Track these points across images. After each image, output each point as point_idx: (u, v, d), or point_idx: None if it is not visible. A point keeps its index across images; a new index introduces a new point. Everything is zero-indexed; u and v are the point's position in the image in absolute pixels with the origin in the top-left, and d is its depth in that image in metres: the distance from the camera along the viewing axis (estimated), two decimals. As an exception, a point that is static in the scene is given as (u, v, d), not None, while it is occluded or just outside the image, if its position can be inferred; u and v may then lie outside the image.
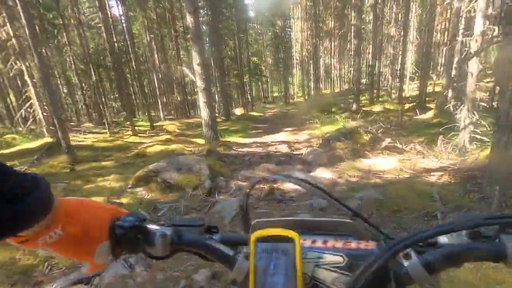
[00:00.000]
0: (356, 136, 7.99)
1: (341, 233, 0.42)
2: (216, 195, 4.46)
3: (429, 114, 11.05)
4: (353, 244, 0.38)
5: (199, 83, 6.77)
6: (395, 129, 8.86)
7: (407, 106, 14.05)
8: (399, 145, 6.05)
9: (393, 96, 19.98)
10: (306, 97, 34.92)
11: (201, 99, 6.93)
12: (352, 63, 34.83)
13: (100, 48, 20.86)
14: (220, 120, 14.37)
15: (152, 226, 0.43)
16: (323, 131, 10.44)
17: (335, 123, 11.26)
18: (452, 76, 9.90)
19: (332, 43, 32.30)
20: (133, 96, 20.77)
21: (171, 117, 21.90)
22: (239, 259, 0.39)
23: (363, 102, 21.13)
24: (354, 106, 12.80)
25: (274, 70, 50.68)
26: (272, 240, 0.37)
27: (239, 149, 7.93)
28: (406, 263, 0.34)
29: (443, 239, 0.37)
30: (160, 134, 10.78)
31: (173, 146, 7.78)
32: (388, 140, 6.01)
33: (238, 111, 21.16)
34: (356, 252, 0.36)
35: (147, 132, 10.89)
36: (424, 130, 8.51)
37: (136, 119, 18.30)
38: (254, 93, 53.92)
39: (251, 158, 6.66)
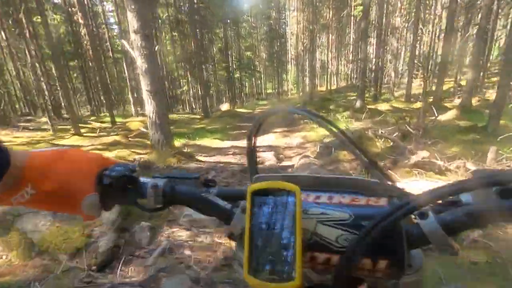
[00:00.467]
0: (365, 143, 5.87)
1: (351, 190, 0.38)
2: (118, 269, 2.24)
3: (450, 115, 8.95)
4: (362, 201, 0.35)
5: (139, 62, 4.49)
6: (415, 133, 6.71)
7: (417, 105, 11.98)
8: (438, 161, 3.97)
9: (396, 93, 17.98)
10: (301, 93, 32.85)
11: (143, 85, 4.63)
12: (350, 57, 32.87)
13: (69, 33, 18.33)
14: (198, 117, 12.15)
15: (144, 178, 0.41)
16: (321, 134, 8.31)
17: (336, 123, 9.13)
18: None
19: (330, 36, 30.00)
20: (101, 88, 18.32)
21: (148, 112, 19.59)
22: (236, 213, 0.37)
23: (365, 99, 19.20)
24: (358, 104, 10.65)
25: (269, 66, 48.53)
26: (271, 193, 0.34)
27: (206, 159, 5.74)
28: (422, 223, 0.30)
29: (467, 197, 0.33)
30: (114, 133, 8.46)
31: (114, 153, 5.50)
32: (423, 153, 3.93)
33: (225, 107, 18.87)
34: (365, 209, 0.33)
35: (98, 131, 8.56)
36: (455, 136, 6.40)
37: (105, 114, 15.90)
38: (247, 89, 51.84)
39: (217, 176, 4.45)
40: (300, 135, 8.63)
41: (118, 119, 13.89)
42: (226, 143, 7.82)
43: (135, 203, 0.41)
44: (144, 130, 10.04)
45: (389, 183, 0.38)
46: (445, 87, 17.95)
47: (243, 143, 6.12)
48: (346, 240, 0.31)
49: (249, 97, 51.51)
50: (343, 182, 0.39)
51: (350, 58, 32.44)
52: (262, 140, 7.94)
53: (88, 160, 0.40)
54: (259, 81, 51.53)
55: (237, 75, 40.90)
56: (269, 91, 54.53)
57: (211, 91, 30.96)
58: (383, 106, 11.64)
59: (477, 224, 0.30)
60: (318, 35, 34.91)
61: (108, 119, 13.43)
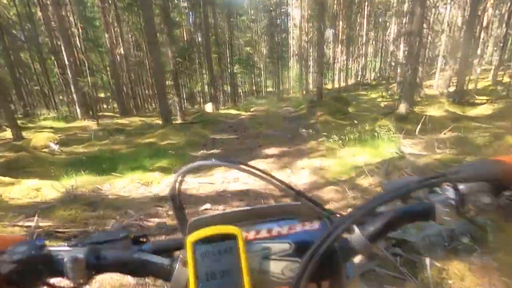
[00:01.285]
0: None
1: (285, 217, 0.40)
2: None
3: None
4: (298, 228, 0.37)
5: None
6: None
7: (484, 108, 8.03)
8: None
9: (422, 92, 14.08)
10: (304, 92, 28.76)
11: None
12: (362, 51, 28.78)
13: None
14: (153, 123, 8.30)
15: (58, 249, 0.35)
16: (349, 164, 4.44)
17: (371, 142, 5.18)
18: None
19: (340, 27, 25.93)
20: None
21: (109, 113, 15.61)
22: (176, 267, 0.34)
23: (385, 100, 15.23)
24: (403, 108, 6.64)
25: (269, 63, 44.58)
26: (212, 240, 0.32)
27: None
28: (349, 237, 0.34)
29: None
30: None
31: None
32: None
33: (209, 107, 14.93)
34: (302, 235, 0.35)
35: None
36: None
37: (43, 114, 12.04)
38: (246, 86, 47.94)
39: None
40: (310, 164, 4.70)
41: (57, 125, 10.05)
42: (167, 181, 3.93)
43: (48, 285, 0.35)
44: (54, 146, 6.19)
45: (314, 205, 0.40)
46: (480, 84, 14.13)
47: (204, 179, 3.65)
48: (291, 270, 0.32)
49: (248, 95, 47.67)
50: (275, 211, 0.41)
51: (362, 51, 28.45)
52: (236, 180, 4.04)
53: None
54: (258, 78, 47.66)
55: (236, 70, 37.09)
56: (270, 89, 50.80)
57: (190, 88, 26.81)
58: (434, 111, 7.70)
59: (393, 227, 0.35)
60: (324, 25, 31.01)
61: (45, 122, 9.59)
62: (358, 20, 25.54)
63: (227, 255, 0.32)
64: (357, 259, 0.36)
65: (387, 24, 25.70)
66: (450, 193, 0.36)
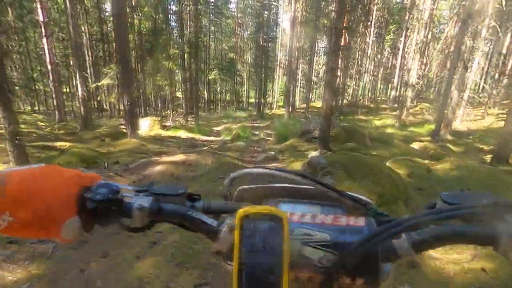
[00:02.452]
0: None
1: (331, 203, 0.42)
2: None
3: None
4: (343, 220, 0.36)
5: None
6: None
7: None
8: None
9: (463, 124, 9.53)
10: (290, 109, 23.94)
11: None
12: (365, 67, 24.63)
13: None
14: None
15: (128, 197, 0.39)
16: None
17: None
18: None
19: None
20: None
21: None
22: (223, 230, 0.36)
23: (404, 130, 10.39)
24: None
25: (254, 73, 39.88)
26: (259, 218, 0.34)
27: None
28: (395, 241, 0.33)
29: None
30: None
31: None
32: None
33: (146, 124, 9.61)
34: (345, 230, 0.35)
35: None
36: None
37: None
38: (226, 95, 42.73)
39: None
40: None
41: None
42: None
43: (119, 224, 0.39)
44: None
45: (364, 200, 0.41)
46: None
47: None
48: (328, 261, 0.33)
49: (229, 105, 42.60)
50: (323, 194, 0.42)
51: (365, 66, 24.26)
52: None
53: (67, 179, 0.37)
54: (241, 88, 42.77)
55: (211, 76, 31.91)
56: (252, 100, 45.96)
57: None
58: None
59: (441, 244, 0.33)
60: (317, 33, 26.79)
61: None
62: (361, 29, 21.38)
63: (272, 234, 0.33)
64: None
65: (400, 36, 21.55)
66: None
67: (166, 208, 0.38)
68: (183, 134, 9.64)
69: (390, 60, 29.10)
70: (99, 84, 11.87)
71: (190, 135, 9.91)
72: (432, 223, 0.33)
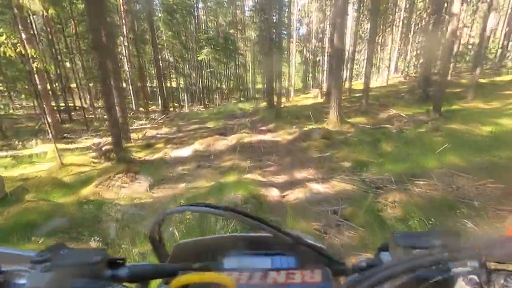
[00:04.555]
0: None
1: (280, 252, 0.37)
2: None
3: None
4: (297, 277, 0.32)
5: None
6: None
7: None
8: None
9: None
10: (319, 93, 15.68)
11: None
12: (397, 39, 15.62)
13: None
14: None
15: (18, 272, 0.28)
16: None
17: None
18: None
19: None
20: None
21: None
22: None
23: None
24: None
25: (259, 52, 31.53)
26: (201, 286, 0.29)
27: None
28: None
29: (387, 258, 0.35)
30: None
31: None
32: None
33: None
34: None
35: None
36: None
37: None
38: (226, 83, 34.55)
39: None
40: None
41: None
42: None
43: None
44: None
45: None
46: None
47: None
48: None
49: (232, 94, 34.59)
50: (269, 241, 0.37)
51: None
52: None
53: None
54: (244, 72, 34.50)
55: (201, 56, 23.71)
56: (259, 86, 37.88)
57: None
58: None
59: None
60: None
61: None
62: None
63: None
64: None
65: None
66: (475, 265, 0.30)
67: (75, 284, 0.28)
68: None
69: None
70: None
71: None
72: (387, 280, 0.28)
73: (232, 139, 7.12)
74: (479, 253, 0.29)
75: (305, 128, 7.46)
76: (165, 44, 21.77)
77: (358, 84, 16.85)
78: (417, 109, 8.96)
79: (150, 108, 18.92)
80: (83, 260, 0.30)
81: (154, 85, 24.18)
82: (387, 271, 0.28)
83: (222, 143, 6.93)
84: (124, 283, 0.31)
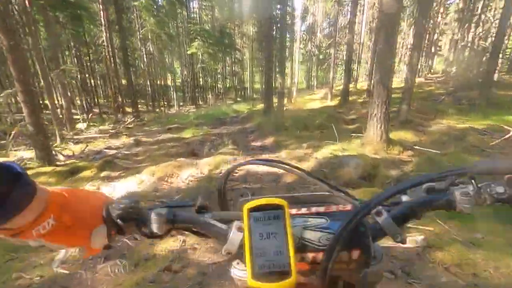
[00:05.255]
0: None
1: (323, 203, 0.45)
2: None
3: None
4: (334, 208, 0.41)
5: None
6: None
7: None
8: None
9: None
10: (333, 96, 12.77)
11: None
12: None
13: None
14: None
15: (147, 206, 0.44)
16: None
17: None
18: None
19: None
20: None
21: None
22: (232, 231, 0.39)
23: None
24: None
25: (258, 49, 29.07)
26: (263, 209, 0.37)
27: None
28: (379, 219, 0.38)
29: (405, 197, 0.44)
30: None
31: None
32: None
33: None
34: (336, 213, 0.40)
35: None
36: None
37: None
38: (224, 81, 31.76)
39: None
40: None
41: None
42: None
43: (140, 232, 0.43)
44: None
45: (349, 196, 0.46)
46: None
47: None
48: (327, 239, 0.36)
49: (228, 93, 31.73)
50: (316, 198, 0.48)
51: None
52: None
53: (95, 197, 0.43)
54: (240, 68, 31.65)
55: (191, 50, 20.73)
56: (258, 85, 35.36)
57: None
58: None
59: (416, 215, 0.40)
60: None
61: None
62: None
63: (276, 221, 0.36)
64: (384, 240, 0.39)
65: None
66: (468, 184, 0.39)
67: (180, 215, 0.43)
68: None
69: None
70: None
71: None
72: (398, 193, 0.39)
73: (203, 166, 4.26)
74: (469, 170, 0.37)
75: (325, 150, 4.57)
76: (148, 34, 18.77)
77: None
78: (483, 119, 6.12)
79: (136, 108, 15.88)
80: (182, 204, 0.45)
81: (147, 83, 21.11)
82: (393, 189, 0.37)
83: (186, 174, 4.09)
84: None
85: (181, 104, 24.82)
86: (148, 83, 20.30)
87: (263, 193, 3.08)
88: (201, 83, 28.22)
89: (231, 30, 26.96)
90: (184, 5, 22.56)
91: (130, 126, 10.12)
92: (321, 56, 22.32)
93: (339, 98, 11.59)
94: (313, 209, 0.41)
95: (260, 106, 17.61)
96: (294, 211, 0.41)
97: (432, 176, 0.38)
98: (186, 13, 23.20)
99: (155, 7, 16.21)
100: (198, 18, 25.74)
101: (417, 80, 14.62)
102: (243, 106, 18.93)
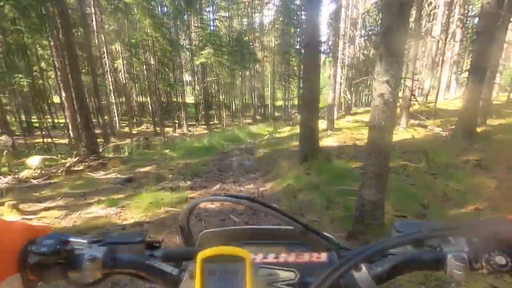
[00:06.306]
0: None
1: (293, 241, 0.42)
2: None
3: None
4: (306, 257, 0.37)
5: None
6: None
7: None
8: None
9: None
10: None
11: None
12: None
13: None
14: None
15: (79, 248, 0.36)
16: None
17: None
18: None
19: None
20: None
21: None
22: (184, 279, 0.35)
23: None
24: None
25: (280, 62, 25.52)
26: (221, 260, 0.33)
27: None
28: (356, 275, 0.34)
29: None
30: None
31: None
32: None
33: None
34: (309, 266, 0.36)
35: None
36: None
37: None
38: (243, 98, 28.26)
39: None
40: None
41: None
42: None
43: (67, 279, 0.35)
44: None
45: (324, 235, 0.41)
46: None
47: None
48: None
49: (246, 111, 28.08)
50: (284, 233, 0.43)
51: None
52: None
53: (10, 233, 0.34)
54: (259, 85, 28.00)
55: (199, 60, 17.08)
56: (279, 103, 31.63)
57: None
58: None
59: (400, 272, 0.35)
60: None
61: None
62: None
63: (234, 276, 0.32)
64: None
65: None
66: (463, 245, 0.34)
67: (121, 258, 0.36)
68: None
69: None
70: None
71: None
72: (383, 252, 0.33)
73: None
74: (466, 231, 0.32)
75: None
76: (148, 43, 15.47)
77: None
78: None
79: (137, 129, 12.24)
80: (127, 240, 0.37)
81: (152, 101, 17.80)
82: (381, 244, 0.31)
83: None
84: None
85: (191, 124, 21.29)
86: (149, 99, 17.03)
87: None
88: (215, 99, 24.73)
89: (251, 42, 23.51)
90: (197, 13, 19.33)
91: (75, 168, 6.24)
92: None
93: (434, 124, 7.06)
94: (281, 257, 0.36)
95: (285, 128, 13.39)
96: (259, 257, 0.36)
97: (425, 233, 0.32)
98: (198, 22, 19.91)
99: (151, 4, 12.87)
100: (211, 27, 22.51)
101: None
102: (263, 128, 14.90)
